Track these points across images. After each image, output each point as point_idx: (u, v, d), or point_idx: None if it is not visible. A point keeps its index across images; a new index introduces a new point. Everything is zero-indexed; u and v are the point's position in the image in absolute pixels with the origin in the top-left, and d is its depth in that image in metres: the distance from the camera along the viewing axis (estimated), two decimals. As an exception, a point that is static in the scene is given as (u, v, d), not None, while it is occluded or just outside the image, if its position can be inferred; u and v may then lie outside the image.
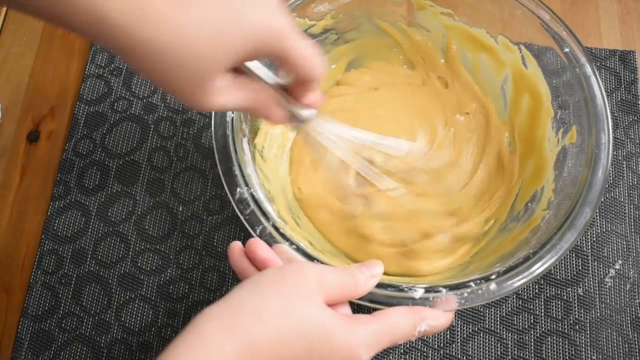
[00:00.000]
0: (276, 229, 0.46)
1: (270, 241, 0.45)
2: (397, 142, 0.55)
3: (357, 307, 0.42)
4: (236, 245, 0.42)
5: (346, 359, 0.37)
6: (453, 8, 0.58)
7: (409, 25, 0.62)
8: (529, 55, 0.56)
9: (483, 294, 0.44)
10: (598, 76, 0.51)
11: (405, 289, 0.43)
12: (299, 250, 0.45)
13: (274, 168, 0.57)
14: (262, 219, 0.46)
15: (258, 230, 0.46)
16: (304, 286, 0.38)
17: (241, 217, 0.46)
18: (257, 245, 0.41)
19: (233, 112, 0.50)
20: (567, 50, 0.52)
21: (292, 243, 0.45)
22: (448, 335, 0.57)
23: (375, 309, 0.42)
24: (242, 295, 0.37)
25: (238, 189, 0.47)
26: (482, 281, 0.44)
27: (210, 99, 0.36)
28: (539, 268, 0.44)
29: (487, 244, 0.55)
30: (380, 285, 0.43)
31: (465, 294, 0.43)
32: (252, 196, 0.47)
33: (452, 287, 0.44)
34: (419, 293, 0.43)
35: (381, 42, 0.63)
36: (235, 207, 0.47)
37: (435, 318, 0.42)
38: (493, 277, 0.44)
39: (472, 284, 0.44)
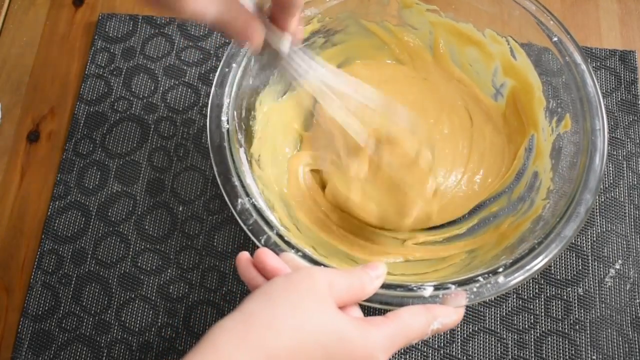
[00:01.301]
0: (281, 237, 0.46)
1: (275, 250, 0.45)
2: (387, 101, 0.53)
3: (367, 309, 0.42)
4: (243, 255, 0.42)
5: None
6: (443, 5, 0.59)
7: (396, 25, 0.62)
8: (517, 46, 0.56)
9: (492, 287, 0.44)
10: (588, 64, 0.51)
11: (414, 288, 0.43)
12: (305, 257, 0.45)
13: (272, 175, 0.57)
14: (266, 228, 0.46)
15: (263, 240, 0.46)
16: (315, 292, 0.38)
17: (245, 228, 0.46)
18: (266, 255, 0.41)
19: (228, 123, 0.50)
20: (555, 39, 0.52)
21: (297, 250, 0.45)
22: (448, 335, 0.57)
23: (386, 311, 0.42)
24: (254, 306, 0.37)
25: (239, 200, 0.47)
26: (490, 275, 0.44)
27: (191, 1, 0.35)
28: (544, 258, 0.45)
29: (487, 236, 0.55)
30: (389, 286, 0.43)
31: (475, 289, 0.44)
32: (254, 206, 0.47)
33: (460, 283, 0.44)
34: (428, 291, 0.43)
35: (369, 42, 0.63)
36: (238, 218, 0.47)
37: (447, 315, 0.42)
38: (500, 269, 0.45)
39: (480, 278, 0.44)
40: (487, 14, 0.56)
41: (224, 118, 0.50)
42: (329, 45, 0.62)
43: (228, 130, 0.50)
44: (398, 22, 0.62)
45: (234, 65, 0.52)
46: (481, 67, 0.61)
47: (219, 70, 0.52)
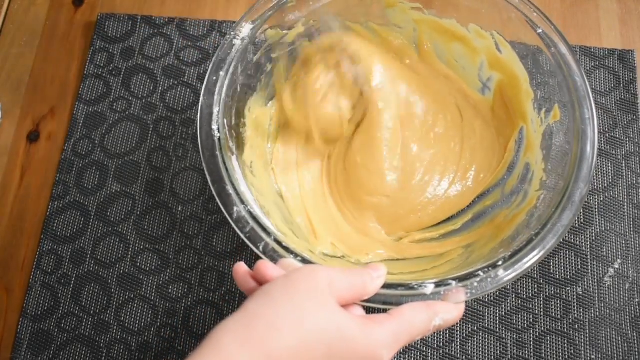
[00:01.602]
0: (278, 243, 0.46)
1: (274, 256, 0.45)
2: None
3: (368, 310, 0.43)
4: (241, 268, 0.41)
5: None
6: (426, 2, 0.59)
7: (381, 25, 0.62)
8: (502, 40, 0.56)
9: (492, 281, 0.44)
10: (574, 54, 0.51)
11: (416, 287, 0.44)
12: (304, 261, 0.45)
13: (265, 181, 0.57)
14: (263, 235, 0.46)
15: (261, 247, 0.46)
16: (316, 290, 0.38)
17: (242, 236, 0.46)
18: (266, 267, 0.41)
19: (219, 131, 0.50)
20: (540, 31, 0.52)
21: (296, 255, 0.45)
22: (447, 335, 0.57)
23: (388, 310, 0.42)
24: (255, 307, 0.37)
25: (235, 208, 0.47)
26: (490, 268, 0.44)
27: None
28: (542, 249, 0.45)
29: (483, 230, 0.55)
30: (390, 286, 0.43)
31: (475, 284, 0.44)
32: (250, 213, 0.47)
33: (461, 279, 0.44)
34: (429, 289, 0.43)
35: None
36: (234, 226, 0.47)
37: (448, 311, 0.42)
38: (500, 263, 0.45)
39: (480, 272, 0.44)
40: (470, 9, 0.56)
41: (214, 127, 0.50)
42: None
43: (219, 139, 0.50)
44: (382, 21, 0.61)
45: (221, 73, 0.52)
46: (467, 62, 0.61)
47: (206, 78, 0.52)
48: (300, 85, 0.58)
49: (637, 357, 0.55)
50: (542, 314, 0.57)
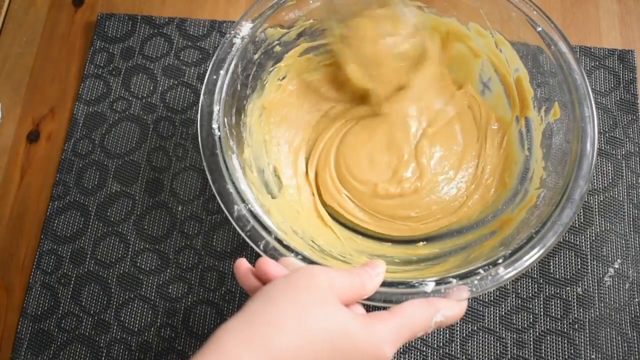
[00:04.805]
0: (279, 241, 0.46)
1: (275, 255, 0.45)
2: None
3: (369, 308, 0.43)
4: (242, 265, 0.42)
5: (371, 357, 0.38)
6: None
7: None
8: (502, 39, 0.56)
9: (493, 278, 0.44)
10: (574, 52, 0.51)
11: (416, 285, 0.44)
12: (305, 259, 0.45)
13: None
14: (264, 233, 0.46)
15: (262, 245, 0.46)
16: (317, 289, 0.38)
17: (242, 235, 0.46)
18: (268, 265, 0.41)
19: (219, 130, 0.50)
20: (540, 29, 0.52)
21: (297, 253, 0.45)
22: (447, 335, 0.57)
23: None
24: (256, 307, 0.37)
25: (235, 207, 0.47)
26: (490, 266, 0.44)
27: None
28: (542, 247, 0.45)
29: (483, 229, 0.55)
30: (390, 284, 0.43)
31: (476, 281, 0.44)
32: (250, 212, 0.47)
33: (461, 277, 0.44)
34: (430, 287, 0.43)
35: None
36: (235, 225, 0.47)
37: (449, 308, 0.42)
38: (500, 261, 0.45)
39: (480, 270, 0.44)
40: (470, 7, 0.56)
41: (214, 125, 0.50)
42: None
43: (220, 138, 0.50)
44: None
45: (221, 72, 0.52)
46: (468, 62, 0.61)
47: (207, 77, 0.52)
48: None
49: (637, 357, 0.55)
50: (542, 313, 0.57)
